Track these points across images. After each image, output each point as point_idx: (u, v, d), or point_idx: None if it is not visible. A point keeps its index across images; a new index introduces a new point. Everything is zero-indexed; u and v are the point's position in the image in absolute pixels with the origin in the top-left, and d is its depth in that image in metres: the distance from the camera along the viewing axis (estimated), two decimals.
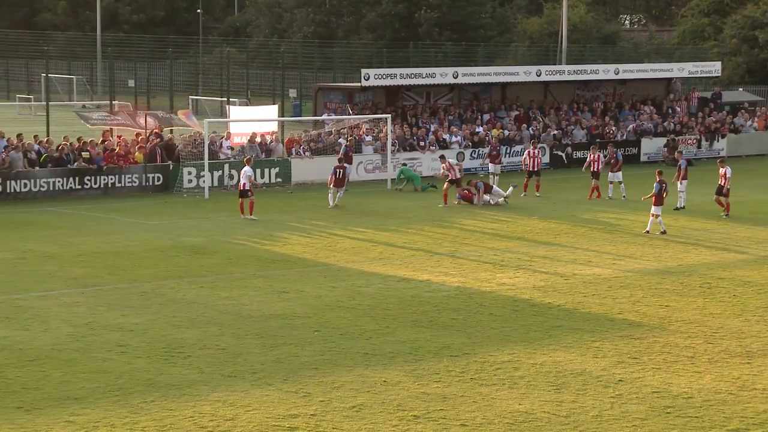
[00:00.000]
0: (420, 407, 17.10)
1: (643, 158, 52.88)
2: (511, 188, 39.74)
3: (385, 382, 18.28)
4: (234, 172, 42.79)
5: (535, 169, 41.49)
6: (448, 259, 29.25)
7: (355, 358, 19.70)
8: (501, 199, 39.18)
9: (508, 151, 49.07)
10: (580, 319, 22.60)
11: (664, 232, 33.05)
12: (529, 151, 42.08)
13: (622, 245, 31.50)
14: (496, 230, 34.11)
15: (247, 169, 35.73)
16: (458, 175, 39.36)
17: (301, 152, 45.51)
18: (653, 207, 33.31)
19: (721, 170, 36.59)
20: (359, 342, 20.74)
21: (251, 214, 35.39)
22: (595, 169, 40.66)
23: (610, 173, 40.84)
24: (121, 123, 44.72)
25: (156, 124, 44.11)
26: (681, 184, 37.77)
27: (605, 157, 41.77)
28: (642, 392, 17.90)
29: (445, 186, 39.23)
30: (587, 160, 41.53)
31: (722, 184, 36.42)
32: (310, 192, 42.63)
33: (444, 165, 39.94)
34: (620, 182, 40.57)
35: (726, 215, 36.32)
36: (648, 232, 33.17)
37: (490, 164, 43.67)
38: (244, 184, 35.51)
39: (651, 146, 53.88)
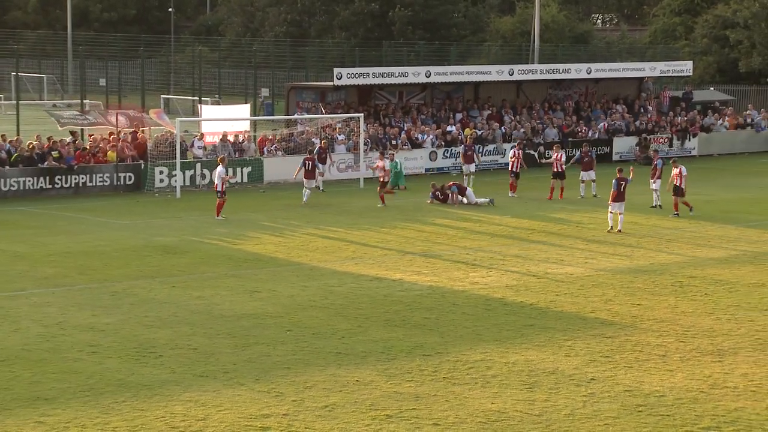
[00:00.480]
0: (392, 407, 17.09)
1: (615, 157, 53.04)
2: (487, 201, 39.25)
3: (358, 382, 18.26)
4: (206, 171, 42.72)
5: (515, 170, 41.32)
6: (421, 258, 29.25)
7: (327, 357, 19.67)
8: (482, 200, 39.08)
9: (480, 151, 49.08)
10: (553, 318, 22.65)
11: (610, 230, 33.13)
12: (513, 151, 41.91)
13: (594, 244, 31.58)
14: (468, 229, 34.12)
15: (220, 169, 35.62)
16: (386, 178, 38.92)
17: (274, 151, 45.40)
18: (611, 204, 33.43)
19: (675, 170, 36.53)
20: (332, 341, 20.72)
21: (218, 215, 35.25)
22: (559, 169, 40.57)
23: (582, 172, 40.91)
24: (93, 122, 44.49)
25: (127, 123, 43.92)
26: (656, 183, 37.84)
27: (579, 156, 41.69)
28: (614, 391, 17.95)
29: (379, 188, 38.84)
30: (552, 159, 41.47)
31: (677, 184, 36.37)
32: (283, 191, 42.51)
33: (379, 163, 39.29)
34: (593, 181, 40.66)
35: (690, 211, 36.31)
36: (620, 230, 33.28)
37: (464, 165, 43.48)
38: (217, 184, 35.40)
39: (623, 145, 54.07)
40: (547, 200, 40.05)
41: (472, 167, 43.28)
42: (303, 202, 38.42)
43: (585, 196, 40.56)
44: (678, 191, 36.36)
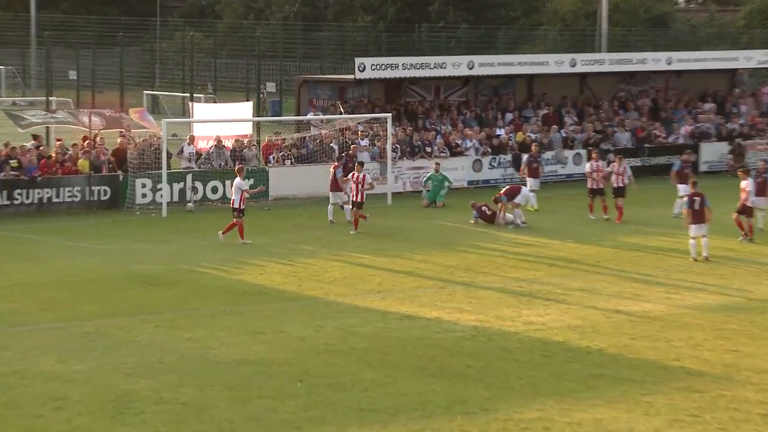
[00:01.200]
0: None
1: (702, 167, 52.72)
2: (518, 222, 39.09)
3: None
4: (198, 184, 42.76)
5: (598, 186, 40.61)
6: (463, 291, 29.14)
7: (347, 414, 19.56)
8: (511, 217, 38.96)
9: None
10: (627, 367, 22.48)
11: (695, 259, 32.92)
12: (592, 164, 41.27)
13: (677, 275, 31.40)
14: (522, 256, 34.02)
15: (238, 182, 35.58)
16: (360, 198, 37.57)
17: (281, 159, 45.40)
18: (689, 227, 33.13)
19: (743, 183, 36.10)
20: (353, 394, 20.62)
21: (224, 234, 35.34)
22: (620, 185, 40.13)
23: (680, 185, 40.23)
24: (61, 122, 44.59)
25: (103, 125, 44.03)
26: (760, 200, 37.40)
27: (679, 166, 40.92)
28: None
29: (353, 210, 38.03)
30: (610, 171, 40.90)
31: (744, 201, 35.81)
32: (292, 209, 42.48)
33: (356, 176, 38.00)
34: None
35: (746, 238, 35.87)
36: (707, 258, 33.06)
37: (528, 179, 42.90)
38: (235, 200, 35.38)
39: (712, 153, 53.78)
40: (616, 222, 39.72)
41: (538, 183, 42.89)
42: (330, 219, 38.87)
43: (679, 215, 40.00)
44: (745, 211, 35.91)
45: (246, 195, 36.10)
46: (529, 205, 41.08)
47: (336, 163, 40.33)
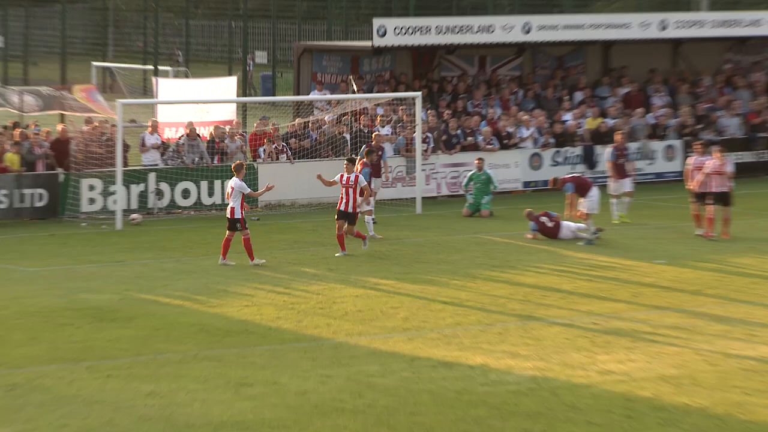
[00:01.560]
0: None
1: None
2: (590, 237, 38.91)
3: None
4: (164, 185, 42.70)
5: (701, 190, 40.10)
6: (518, 329, 29.09)
7: None
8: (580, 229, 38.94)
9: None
10: None
11: None
12: (696, 159, 40.96)
13: None
14: (596, 282, 34.06)
15: (238, 184, 35.44)
16: (348, 207, 36.75)
17: (275, 153, 45.39)
18: None
19: None
20: None
21: (252, 259, 35.46)
22: (723, 188, 39.59)
23: None
24: None
25: (39, 107, 44.12)
26: None
27: None
28: None
29: (338, 224, 37.21)
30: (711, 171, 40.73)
31: None
32: (290, 219, 42.46)
33: (343, 176, 37.03)
34: None
35: None
36: None
37: (612, 180, 42.32)
38: (234, 207, 35.24)
39: None
40: (705, 237, 39.52)
41: (628, 183, 42.32)
42: (369, 234, 38.74)
43: None
44: None
45: (251, 195, 36.06)
46: (617, 214, 40.95)
47: (362, 159, 39.61)
